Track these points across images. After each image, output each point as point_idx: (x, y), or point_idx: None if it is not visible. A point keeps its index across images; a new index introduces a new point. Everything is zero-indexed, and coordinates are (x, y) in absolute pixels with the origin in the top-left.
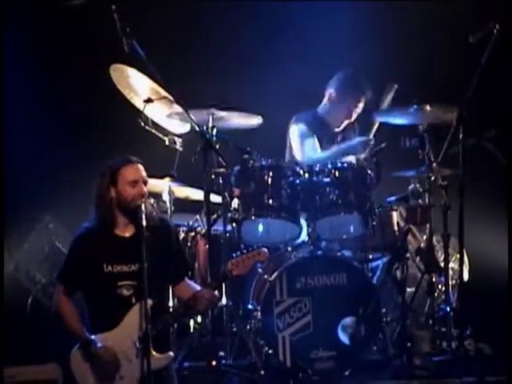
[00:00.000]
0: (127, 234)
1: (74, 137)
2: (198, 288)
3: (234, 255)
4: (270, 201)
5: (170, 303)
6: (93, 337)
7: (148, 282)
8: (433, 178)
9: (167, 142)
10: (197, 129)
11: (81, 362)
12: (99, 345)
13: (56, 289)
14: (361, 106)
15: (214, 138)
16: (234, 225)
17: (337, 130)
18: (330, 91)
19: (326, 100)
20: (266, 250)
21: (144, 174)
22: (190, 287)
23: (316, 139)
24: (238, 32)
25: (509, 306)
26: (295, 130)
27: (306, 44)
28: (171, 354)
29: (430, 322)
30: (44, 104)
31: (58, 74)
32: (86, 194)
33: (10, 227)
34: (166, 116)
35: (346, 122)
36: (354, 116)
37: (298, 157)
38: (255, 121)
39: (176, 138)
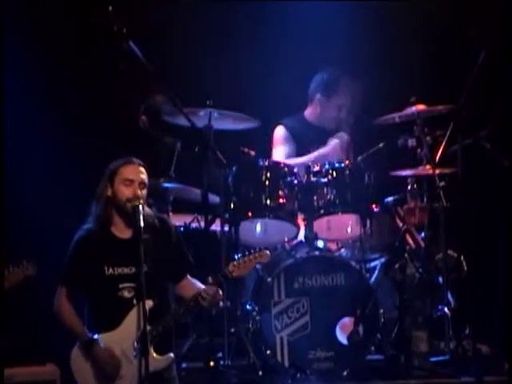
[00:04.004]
0: (126, 236)
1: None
2: (200, 285)
3: (236, 257)
4: (268, 201)
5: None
6: (95, 336)
7: (149, 284)
8: (430, 179)
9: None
10: (194, 128)
11: (81, 361)
12: (102, 345)
13: (58, 290)
14: (350, 101)
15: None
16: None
17: (330, 127)
18: (316, 96)
19: (313, 104)
20: (268, 252)
21: (143, 176)
22: (192, 285)
23: (294, 145)
24: (237, 32)
25: (508, 306)
26: (275, 133)
27: (305, 46)
28: (172, 355)
29: (428, 322)
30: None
31: (57, 72)
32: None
33: None
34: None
35: (337, 119)
36: (344, 112)
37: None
38: (253, 122)
39: (175, 139)
